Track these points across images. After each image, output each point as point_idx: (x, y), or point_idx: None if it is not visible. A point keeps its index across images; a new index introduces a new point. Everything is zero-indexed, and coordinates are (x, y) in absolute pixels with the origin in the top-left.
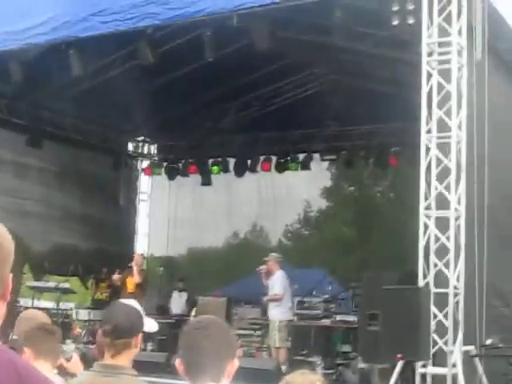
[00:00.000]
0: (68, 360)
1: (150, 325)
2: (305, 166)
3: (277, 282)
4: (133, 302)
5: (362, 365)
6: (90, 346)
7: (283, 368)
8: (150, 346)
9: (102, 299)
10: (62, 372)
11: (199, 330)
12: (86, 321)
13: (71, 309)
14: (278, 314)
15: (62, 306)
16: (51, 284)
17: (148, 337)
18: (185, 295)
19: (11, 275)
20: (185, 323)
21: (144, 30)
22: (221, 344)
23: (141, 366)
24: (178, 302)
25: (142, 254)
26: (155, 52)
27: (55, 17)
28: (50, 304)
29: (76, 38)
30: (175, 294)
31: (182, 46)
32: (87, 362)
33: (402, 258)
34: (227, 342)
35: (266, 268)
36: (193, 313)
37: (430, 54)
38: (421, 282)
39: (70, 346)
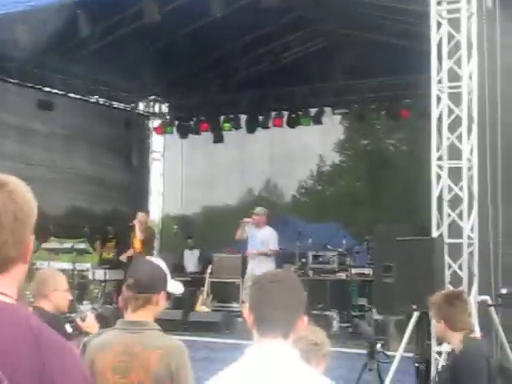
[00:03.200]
0: (83, 319)
1: (176, 287)
2: (316, 120)
3: (272, 238)
4: (159, 261)
5: (377, 316)
6: (107, 306)
7: None
8: (166, 304)
9: (109, 258)
10: (77, 331)
11: (274, 284)
12: (102, 281)
13: (87, 269)
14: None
15: (78, 266)
16: (67, 245)
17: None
18: (197, 252)
19: (33, 237)
20: (200, 281)
21: None
22: (294, 299)
23: (157, 324)
24: (190, 260)
25: (144, 213)
26: (162, 10)
27: None
28: (66, 265)
29: None
30: (187, 252)
31: (189, 3)
32: (104, 321)
33: (415, 210)
34: (300, 298)
35: (252, 221)
36: (208, 270)
37: (439, 3)
38: (434, 233)
39: (86, 307)
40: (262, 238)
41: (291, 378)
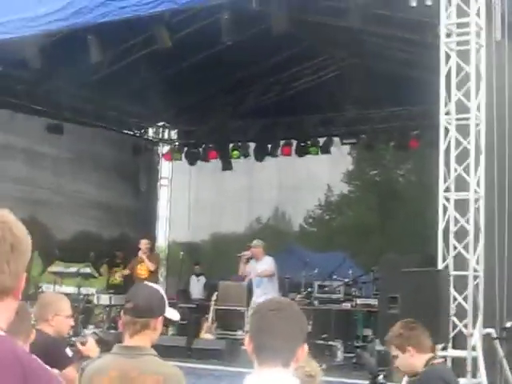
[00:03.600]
0: (83, 344)
1: (172, 313)
2: (325, 149)
3: (269, 264)
4: (157, 286)
5: (380, 347)
6: (112, 331)
7: None
8: (170, 331)
9: (117, 283)
10: (78, 356)
11: (274, 312)
12: (107, 306)
13: (92, 294)
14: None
15: (84, 290)
16: (72, 269)
17: (170, 321)
18: (202, 279)
19: (25, 275)
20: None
21: (162, 14)
22: (295, 328)
23: (162, 350)
24: (196, 287)
25: (146, 240)
26: (173, 37)
27: (73, 2)
28: (71, 289)
29: (94, 24)
30: (193, 279)
31: (200, 31)
32: (106, 345)
33: (422, 241)
34: (301, 327)
35: (249, 254)
36: (214, 297)
37: (448, 36)
38: (440, 265)
39: (90, 331)
40: (261, 269)
41: None
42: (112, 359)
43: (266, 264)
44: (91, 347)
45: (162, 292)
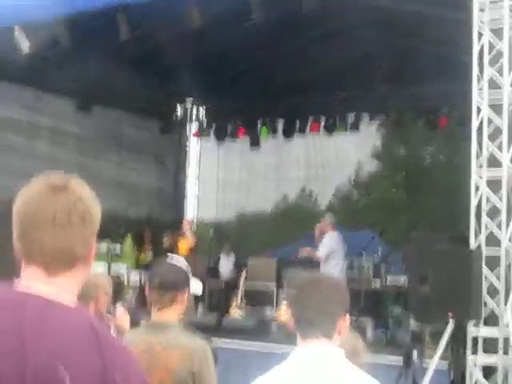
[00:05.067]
0: (112, 315)
1: (196, 285)
2: (354, 127)
3: (323, 244)
4: (179, 259)
5: (413, 325)
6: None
7: None
8: (200, 308)
9: (146, 261)
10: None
11: (312, 285)
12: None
13: (122, 272)
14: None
15: (114, 268)
16: (103, 247)
17: (199, 299)
18: (232, 257)
19: (96, 244)
20: (235, 285)
21: None
22: (332, 300)
23: (192, 327)
24: (226, 265)
25: (189, 220)
26: (203, 15)
27: None
28: (101, 267)
29: (125, 2)
30: (223, 257)
31: (231, 9)
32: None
33: (451, 219)
34: (339, 299)
35: (319, 227)
36: (244, 274)
37: (481, 11)
38: (472, 243)
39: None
40: (321, 244)
41: (339, 378)
42: (140, 334)
43: (321, 243)
44: (121, 317)
45: (184, 265)
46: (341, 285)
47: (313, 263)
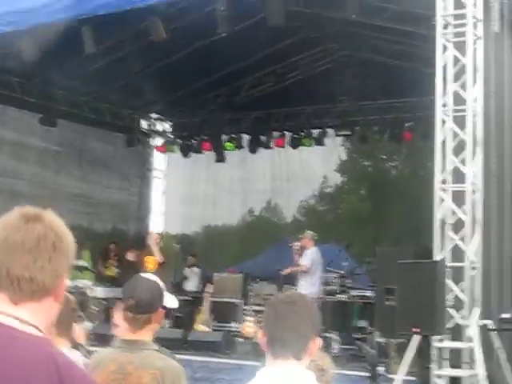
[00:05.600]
0: None
1: (171, 301)
2: (319, 141)
3: (306, 256)
4: (153, 277)
5: (379, 339)
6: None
7: None
8: (167, 324)
9: (111, 276)
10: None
11: (287, 305)
12: (102, 299)
13: (87, 287)
14: (307, 285)
15: (79, 283)
16: None
17: (164, 314)
18: (197, 271)
19: (66, 279)
20: (200, 300)
21: (156, 6)
22: (307, 320)
23: (158, 343)
24: (191, 279)
25: (158, 233)
26: (168, 28)
27: None
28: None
29: (89, 16)
30: (187, 271)
31: (195, 22)
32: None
33: (416, 233)
34: (312, 319)
35: (299, 244)
36: (209, 289)
37: (445, 27)
38: (437, 256)
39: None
40: (302, 261)
41: None
42: (112, 353)
43: (303, 257)
44: (77, 334)
45: (160, 282)
46: (314, 306)
47: (279, 279)
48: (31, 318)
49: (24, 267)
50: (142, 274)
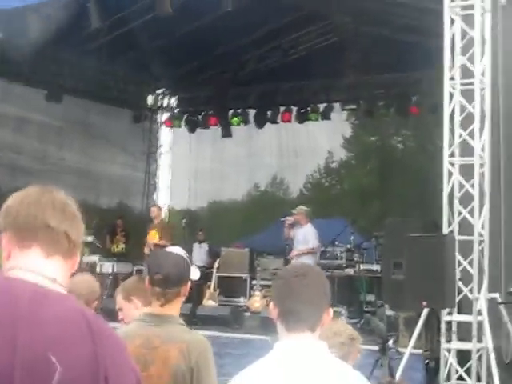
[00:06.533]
0: None
1: (193, 272)
2: (325, 116)
3: (311, 235)
4: (179, 250)
5: (388, 312)
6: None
7: None
8: None
9: (119, 251)
10: None
11: (298, 278)
12: (109, 274)
13: (95, 262)
14: (312, 263)
15: (86, 259)
16: None
17: None
18: (205, 246)
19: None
20: (208, 275)
21: None
22: (318, 292)
23: None
24: (199, 254)
25: (154, 208)
26: (173, 3)
27: None
28: None
29: None
30: (195, 246)
31: None
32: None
33: (424, 206)
34: (324, 291)
35: (292, 219)
36: (216, 264)
37: (452, 0)
38: (445, 230)
39: None
40: (303, 236)
41: (323, 371)
42: (138, 327)
43: (308, 234)
44: None
45: (185, 255)
46: (324, 277)
47: (284, 254)
48: (58, 276)
49: (60, 222)
50: (168, 249)
